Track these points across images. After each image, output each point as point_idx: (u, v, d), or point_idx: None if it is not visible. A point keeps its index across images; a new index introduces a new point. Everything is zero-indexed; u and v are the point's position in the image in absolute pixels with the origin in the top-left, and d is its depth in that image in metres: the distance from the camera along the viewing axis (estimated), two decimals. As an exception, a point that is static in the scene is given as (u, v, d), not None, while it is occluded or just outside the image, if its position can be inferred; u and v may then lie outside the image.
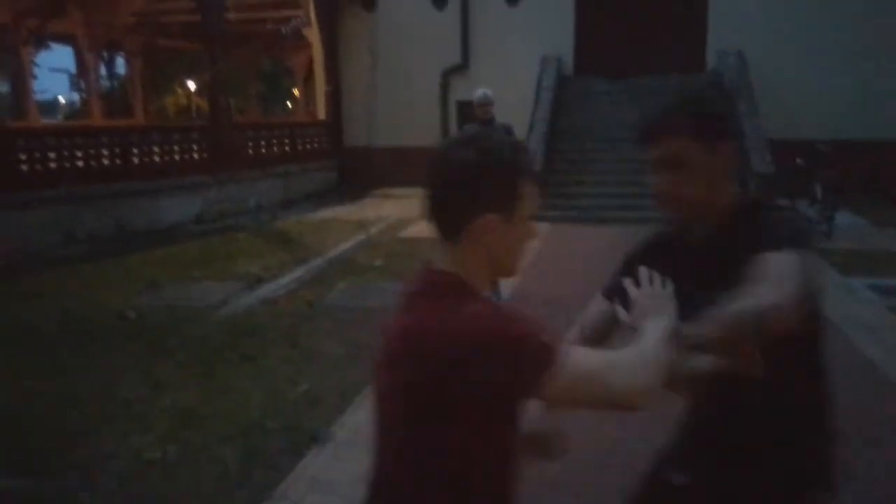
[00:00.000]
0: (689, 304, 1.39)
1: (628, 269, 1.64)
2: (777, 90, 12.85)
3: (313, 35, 16.16)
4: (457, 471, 1.27)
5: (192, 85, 31.09)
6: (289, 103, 35.22)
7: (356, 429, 3.97)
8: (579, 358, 1.23)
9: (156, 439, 3.95)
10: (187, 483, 3.48)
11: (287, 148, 14.58)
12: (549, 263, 7.97)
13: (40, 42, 23.39)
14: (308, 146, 15.33)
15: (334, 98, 16.11)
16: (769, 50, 13.23)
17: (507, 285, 6.66)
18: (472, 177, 1.28)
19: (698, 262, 1.59)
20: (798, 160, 9.72)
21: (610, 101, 12.94)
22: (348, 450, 3.72)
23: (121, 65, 29.38)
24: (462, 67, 15.14)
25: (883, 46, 13.13)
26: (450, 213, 1.32)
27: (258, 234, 10.84)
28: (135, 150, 11.05)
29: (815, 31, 13.44)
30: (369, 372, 4.06)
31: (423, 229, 11.01)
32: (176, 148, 11.78)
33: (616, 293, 1.61)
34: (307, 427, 4.03)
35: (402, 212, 12.46)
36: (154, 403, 4.47)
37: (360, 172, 16.05)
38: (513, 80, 14.69)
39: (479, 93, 6.17)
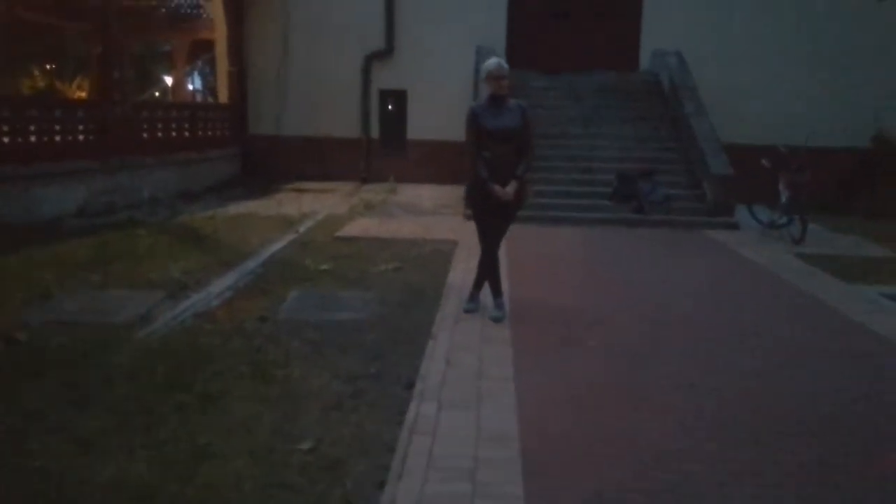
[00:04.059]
0: None
1: None
2: (712, 93, 12.58)
3: (216, 8, 14.35)
4: None
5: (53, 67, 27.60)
6: (157, 93, 32.02)
7: (416, 511, 2.77)
8: None
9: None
10: None
11: (187, 133, 12.73)
12: (528, 270, 6.99)
13: None
14: (210, 132, 13.52)
15: (239, 80, 14.37)
16: (697, 53, 12.96)
17: (510, 300, 5.60)
18: None
19: None
20: (763, 161, 9.33)
21: (552, 96, 12.22)
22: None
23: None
24: (385, 53, 13.91)
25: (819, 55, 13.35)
26: None
27: (162, 231, 9.12)
28: (5, 128, 9.01)
29: (748, 35, 13.38)
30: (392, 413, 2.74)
31: (362, 227, 9.85)
32: (57, 127, 9.77)
33: None
34: (341, 512, 2.78)
35: (325, 207, 11.10)
36: (89, 477, 3.04)
37: (266, 163, 14.43)
38: (442, 70, 13.71)
39: (492, 62, 5.04)
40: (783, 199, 9.17)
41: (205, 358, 4.51)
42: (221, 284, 6.44)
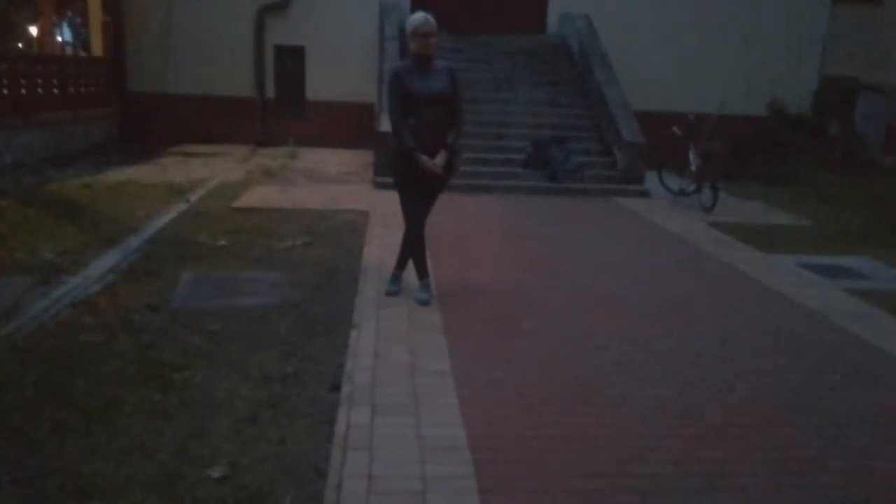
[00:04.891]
0: None
1: None
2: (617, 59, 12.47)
3: (85, -52, 12.82)
4: None
5: None
6: (20, 44, 28.85)
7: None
8: None
9: None
10: None
11: (56, 90, 11.35)
12: (447, 244, 6.56)
13: None
14: (83, 89, 12.14)
15: (115, 32, 12.96)
16: (602, 18, 12.79)
17: (434, 279, 5.17)
18: None
19: None
20: (675, 129, 9.28)
21: (461, 59, 11.69)
22: None
23: None
24: (281, 6, 12.90)
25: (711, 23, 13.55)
26: None
27: (29, 202, 8.02)
28: None
29: (653, 3, 13.36)
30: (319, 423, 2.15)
31: (262, 196, 9.06)
32: None
33: None
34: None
35: (218, 174, 10.21)
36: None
37: (148, 124, 13.20)
38: (344, 26, 12.91)
39: (419, 16, 4.47)
40: (693, 167, 9.17)
41: (86, 361, 3.82)
42: (102, 266, 5.65)
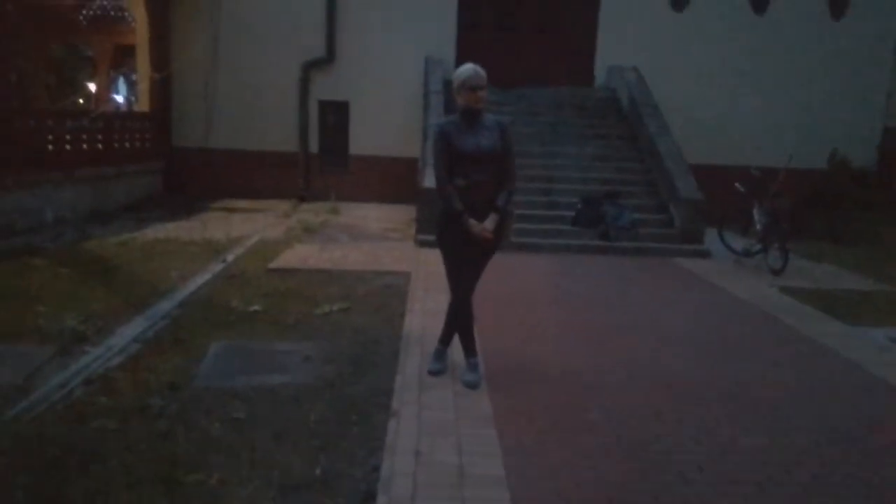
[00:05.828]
0: None
1: None
2: (667, 111, 11.99)
3: (137, 7, 12.99)
4: None
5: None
6: (81, 100, 29.79)
7: None
8: None
9: None
10: None
11: (100, 145, 11.33)
12: (495, 311, 6.05)
13: None
14: (128, 144, 12.14)
15: (162, 88, 13.03)
16: (652, 70, 12.36)
17: (480, 354, 4.65)
18: None
19: None
20: (737, 185, 8.69)
21: (506, 112, 11.37)
22: None
23: None
24: (326, 61, 12.83)
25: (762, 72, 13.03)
26: None
27: (65, 261, 7.79)
28: None
29: (704, 53, 12.92)
30: None
31: (301, 256, 8.73)
32: (-63, 136, 8.35)
33: None
34: None
35: (258, 230, 9.94)
36: None
37: (192, 179, 13.13)
38: (388, 81, 12.74)
39: (468, 68, 4.11)
40: (759, 226, 8.54)
41: (92, 454, 3.38)
42: (127, 334, 5.28)
